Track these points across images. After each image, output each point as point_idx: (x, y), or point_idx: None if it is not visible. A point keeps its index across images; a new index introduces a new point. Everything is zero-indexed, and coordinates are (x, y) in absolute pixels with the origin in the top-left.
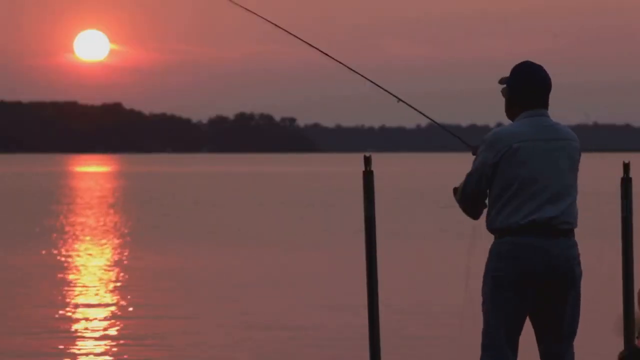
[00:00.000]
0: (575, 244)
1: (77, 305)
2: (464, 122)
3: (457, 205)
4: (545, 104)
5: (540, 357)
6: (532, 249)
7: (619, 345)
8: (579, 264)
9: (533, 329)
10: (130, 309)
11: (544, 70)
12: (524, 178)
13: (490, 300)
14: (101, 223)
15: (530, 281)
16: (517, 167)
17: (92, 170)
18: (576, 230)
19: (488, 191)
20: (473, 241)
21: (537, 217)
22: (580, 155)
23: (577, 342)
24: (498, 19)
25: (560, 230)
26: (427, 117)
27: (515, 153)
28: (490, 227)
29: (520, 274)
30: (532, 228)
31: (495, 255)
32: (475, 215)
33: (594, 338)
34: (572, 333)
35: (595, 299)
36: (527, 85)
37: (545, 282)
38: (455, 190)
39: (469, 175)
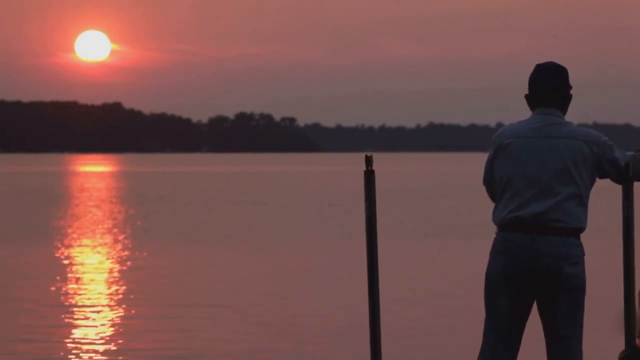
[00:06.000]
0: (569, 243)
1: (76, 304)
2: (464, 122)
3: (456, 204)
4: (554, 103)
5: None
6: (516, 245)
7: (619, 345)
8: (574, 264)
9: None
10: (129, 307)
11: (556, 69)
12: (511, 174)
13: (484, 297)
14: (101, 222)
15: (518, 278)
16: (506, 163)
17: (92, 170)
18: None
19: None
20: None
21: (521, 214)
22: (591, 154)
23: None
24: (498, 17)
25: (549, 227)
26: None
27: (505, 149)
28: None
29: (507, 270)
30: (518, 224)
31: (491, 251)
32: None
33: (594, 338)
34: (569, 334)
35: (596, 299)
36: (532, 85)
37: (532, 279)
38: None
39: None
